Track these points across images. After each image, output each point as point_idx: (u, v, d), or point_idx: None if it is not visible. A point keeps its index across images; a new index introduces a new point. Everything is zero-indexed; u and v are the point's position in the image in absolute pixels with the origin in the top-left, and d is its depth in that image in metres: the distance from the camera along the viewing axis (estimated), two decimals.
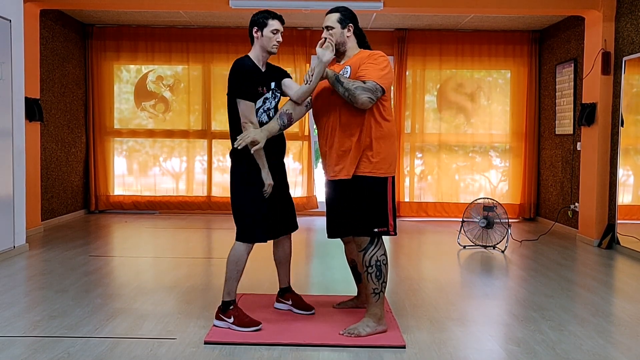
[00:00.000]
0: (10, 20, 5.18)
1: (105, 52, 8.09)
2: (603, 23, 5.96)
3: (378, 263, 3.13)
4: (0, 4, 5.03)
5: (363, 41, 3.29)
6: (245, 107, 3.13)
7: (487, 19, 7.38)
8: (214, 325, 3.24)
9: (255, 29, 3.23)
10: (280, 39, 3.26)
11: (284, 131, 3.28)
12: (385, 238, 6.42)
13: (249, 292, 3.98)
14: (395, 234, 3.23)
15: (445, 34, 8.02)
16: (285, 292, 3.59)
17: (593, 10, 6.03)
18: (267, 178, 3.19)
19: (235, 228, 3.24)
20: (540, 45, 8.00)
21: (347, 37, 3.20)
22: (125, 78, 8.27)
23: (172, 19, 7.64)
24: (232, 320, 3.18)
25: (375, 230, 3.11)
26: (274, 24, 3.21)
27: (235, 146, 3.08)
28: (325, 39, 3.16)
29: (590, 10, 6.08)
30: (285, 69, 3.51)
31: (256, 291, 4.02)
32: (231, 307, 3.21)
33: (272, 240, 3.42)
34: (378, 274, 3.13)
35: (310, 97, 3.28)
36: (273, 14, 3.26)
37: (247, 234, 3.19)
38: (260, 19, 3.22)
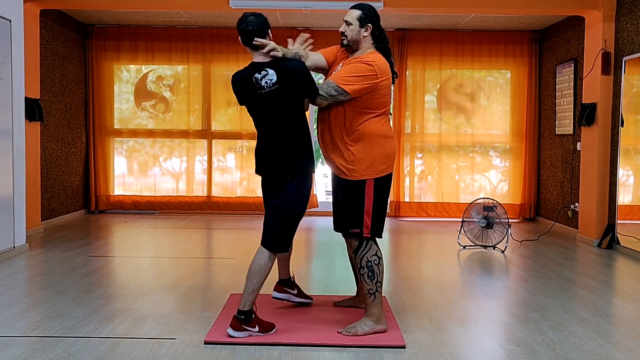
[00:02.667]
0: (10, 20, 5.18)
1: (105, 52, 8.09)
2: (603, 23, 5.96)
3: (369, 264, 3.14)
4: (0, 4, 5.03)
5: (382, 43, 3.22)
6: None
7: (487, 19, 7.38)
8: (230, 336, 3.07)
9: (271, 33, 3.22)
10: None
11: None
12: (385, 238, 6.42)
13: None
14: (374, 237, 3.18)
15: (445, 34, 8.01)
16: (291, 283, 3.69)
17: (593, 10, 6.03)
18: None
19: (269, 238, 3.14)
20: (540, 45, 8.00)
21: (364, 36, 3.17)
22: (125, 78, 8.27)
23: (172, 19, 7.64)
24: (257, 329, 3.10)
25: (350, 231, 3.16)
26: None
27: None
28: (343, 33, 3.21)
29: (590, 10, 6.08)
30: None
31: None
32: (253, 317, 3.12)
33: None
34: (370, 274, 3.14)
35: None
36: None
37: (284, 245, 3.17)
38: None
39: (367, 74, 3.03)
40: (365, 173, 3.12)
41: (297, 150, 3.13)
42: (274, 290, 3.63)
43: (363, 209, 3.13)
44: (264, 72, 3.07)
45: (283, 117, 3.09)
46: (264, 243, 3.15)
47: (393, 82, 3.25)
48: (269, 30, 3.17)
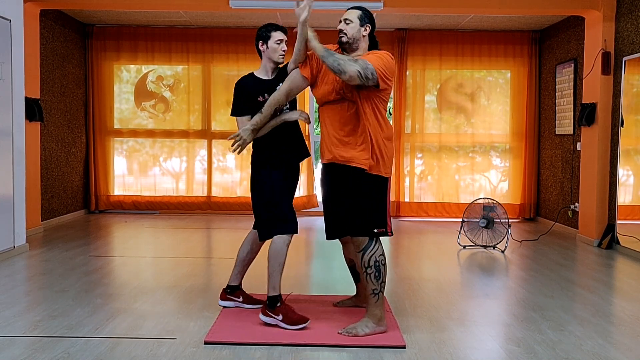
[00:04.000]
0: (10, 20, 5.18)
1: (105, 52, 8.09)
2: (603, 23, 5.96)
3: (377, 263, 3.13)
4: (0, 4, 5.03)
5: (374, 47, 3.28)
6: (239, 123, 3.36)
7: (487, 19, 7.38)
8: (262, 321, 3.26)
9: (260, 42, 3.37)
10: (286, 48, 3.38)
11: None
12: (385, 238, 6.42)
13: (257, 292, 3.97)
14: (392, 234, 3.25)
15: (445, 34, 8.02)
16: (236, 290, 3.66)
17: (593, 10, 6.03)
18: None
19: (266, 225, 3.33)
20: (540, 45, 8.00)
21: (363, 36, 3.21)
22: (125, 78, 8.27)
23: (172, 19, 7.65)
24: (280, 317, 3.21)
25: (375, 230, 3.13)
26: (277, 35, 3.34)
27: (232, 152, 3.28)
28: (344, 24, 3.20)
29: (590, 10, 6.08)
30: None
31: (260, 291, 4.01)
32: (279, 305, 3.23)
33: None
34: (377, 274, 3.13)
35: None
36: (275, 25, 3.39)
37: (287, 227, 3.29)
38: (264, 32, 3.36)
39: (392, 66, 3.12)
40: (387, 170, 3.16)
41: (271, 143, 3.33)
42: (220, 298, 3.64)
43: (386, 207, 3.16)
44: None
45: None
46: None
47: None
48: (260, 41, 3.38)
